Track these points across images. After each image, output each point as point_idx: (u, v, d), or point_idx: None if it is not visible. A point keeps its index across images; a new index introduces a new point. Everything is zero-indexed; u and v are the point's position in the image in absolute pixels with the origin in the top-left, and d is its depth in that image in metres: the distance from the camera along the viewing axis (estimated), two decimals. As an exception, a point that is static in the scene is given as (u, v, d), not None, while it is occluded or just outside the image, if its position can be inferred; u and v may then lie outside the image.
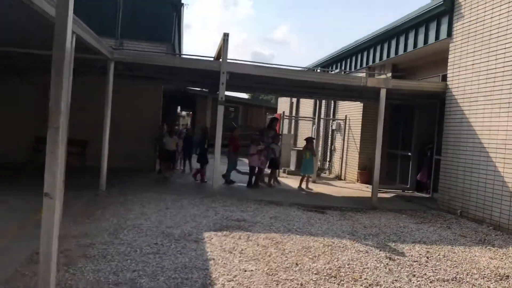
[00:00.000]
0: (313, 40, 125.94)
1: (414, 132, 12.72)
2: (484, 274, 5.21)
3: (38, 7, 4.64)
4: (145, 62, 9.64)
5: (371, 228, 7.35)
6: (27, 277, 4.05)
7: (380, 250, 5.93)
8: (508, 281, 5.02)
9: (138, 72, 11.34)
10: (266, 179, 12.29)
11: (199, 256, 5.08)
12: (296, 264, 5.07)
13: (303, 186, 12.16)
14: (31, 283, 3.89)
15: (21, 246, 5.01)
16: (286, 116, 19.87)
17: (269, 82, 11.44)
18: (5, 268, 4.24)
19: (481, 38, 8.78)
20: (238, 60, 10.05)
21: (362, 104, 14.22)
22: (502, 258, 5.99)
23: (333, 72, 15.86)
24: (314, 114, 16.99)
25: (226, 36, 9.55)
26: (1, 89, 12.54)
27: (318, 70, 16.93)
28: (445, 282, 4.84)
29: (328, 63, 17.40)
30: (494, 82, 8.35)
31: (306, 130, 19.83)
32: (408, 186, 12.82)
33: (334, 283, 4.56)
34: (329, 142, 17.34)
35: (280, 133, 16.40)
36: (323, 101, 17.09)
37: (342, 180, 15.36)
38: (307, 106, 20.30)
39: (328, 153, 17.46)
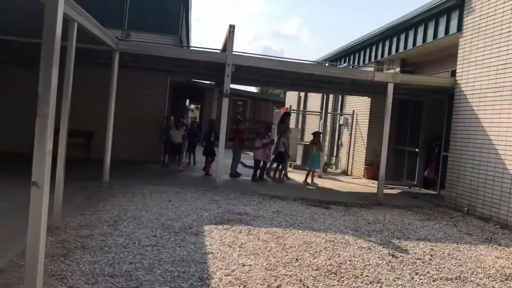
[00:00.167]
0: (325, 35, 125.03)
1: (422, 128, 12.53)
2: (489, 274, 5.09)
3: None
4: (150, 53, 9.53)
5: (375, 224, 7.24)
6: (22, 267, 4.01)
7: (383, 247, 5.82)
8: (513, 281, 4.90)
9: (144, 64, 11.27)
10: (274, 174, 12.14)
11: (198, 249, 5.02)
12: (296, 259, 4.98)
13: (309, 180, 12.06)
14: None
15: (20, 237, 4.96)
16: (293, 110, 19.75)
17: (276, 76, 11.32)
18: (1, 258, 4.21)
19: (492, 33, 8.58)
20: (243, 52, 9.96)
21: (369, 99, 14.06)
22: (508, 258, 5.85)
23: (341, 66, 15.67)
24: (322, 108, 16.84)
25: (232, 28, 9.46)
26: (7, 79, 12.52)
27: (327, 64, 16.74)
28: (449, 281, 4.72)
29: (336, 57, 17.23)
30: (504, 78, 8.16)
31: (313, 124, 19.69)
32: (415, 183, 12.66)
33: (334, 279, 4.47)
34: (336, 137, 17.19)
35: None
36: (331, 96, 16.94)
37: (348, 175, 15.22)
38: (315, 100, 20.15)
39: (335, 148, 17.31)
